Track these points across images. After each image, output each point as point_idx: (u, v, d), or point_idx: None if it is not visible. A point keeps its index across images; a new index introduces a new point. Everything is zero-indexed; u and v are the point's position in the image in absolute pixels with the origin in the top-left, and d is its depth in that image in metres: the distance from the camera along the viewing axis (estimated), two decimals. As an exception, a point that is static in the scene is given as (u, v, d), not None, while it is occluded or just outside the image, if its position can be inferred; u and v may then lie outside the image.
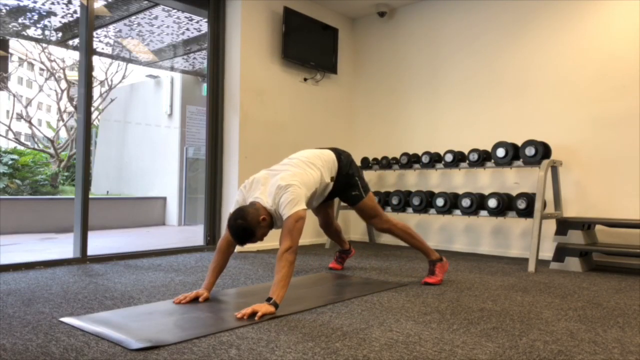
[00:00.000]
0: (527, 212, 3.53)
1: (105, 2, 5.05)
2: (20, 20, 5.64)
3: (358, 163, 4.84)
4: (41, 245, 4.69)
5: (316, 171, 2.49)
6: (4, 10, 5.33)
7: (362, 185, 2.78)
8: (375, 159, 4.69)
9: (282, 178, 2.26)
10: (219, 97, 4.26)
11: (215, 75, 4.26)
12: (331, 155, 2.68)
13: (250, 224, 2.14)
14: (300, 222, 2.16)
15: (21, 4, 5.13)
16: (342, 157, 2.74)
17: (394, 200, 4.27)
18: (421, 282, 2.79)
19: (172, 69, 7.52)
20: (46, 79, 10.06)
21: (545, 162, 3.50)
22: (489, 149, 3.92)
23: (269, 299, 2.01)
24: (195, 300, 2.23)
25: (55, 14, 5.31)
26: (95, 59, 9.04)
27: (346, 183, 2.73)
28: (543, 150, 3.61)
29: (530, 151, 3.63)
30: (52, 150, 9.16)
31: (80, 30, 3.53)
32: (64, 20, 5.48)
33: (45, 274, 2.93)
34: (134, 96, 8.63)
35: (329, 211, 3.12)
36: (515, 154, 3.73)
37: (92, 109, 4.25)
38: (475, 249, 4.34)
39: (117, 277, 2.87)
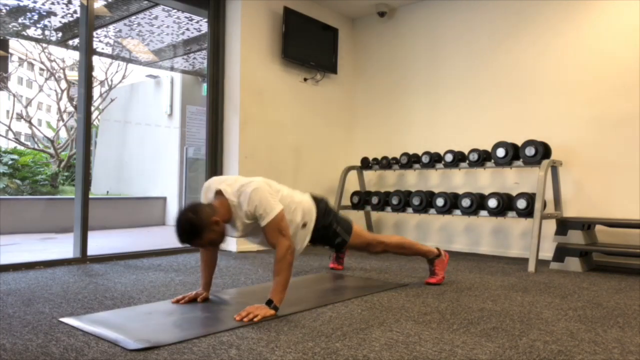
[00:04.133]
0: (527, 212, 3.52)
1: (105, 2, 5.05)
2: (20, 20, 5.63)
3: (358, 163, 4.85)
4: (41, 245, 4.69)
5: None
6: (4, 10, 5.33)
7: (343, 229, 2.51)
8: (375, 159, 4.69)
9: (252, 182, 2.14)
10: (219, 97, 4.26)
11: (215, 75, 4.26)
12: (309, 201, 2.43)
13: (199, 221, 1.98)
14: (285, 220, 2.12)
15: (21, 4, 5.12)
16: (321, 204, 2.46)
17: (394, 200, 4.27)
18: (424, 282, 2.80)
19: (172, 69, 7.52)
20: (46, 79, 10.04)
21: (545, 162, 3.50)
22: (489, 149, 3.92)
23: (269, 302, 2.00)
24: (194, 300, 2.23)
25: (55, 14, 5.31)
26: (95, 59, 9.03)
27: (325, 235, 2.46)
28: (543, 150, 3.61)
29: (530, 151, 3.63)
30: (52, 150, 9.14)
31: (80, 30, 3.53)
32: (64, 20, 5.48)
33: (45, 274, 2.93)
34: (134, 96, 8.62)
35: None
36: (515, 154, 3.73)
37: (92, 109, 4.25)
38: (475, 249, 4.34)
39: (117, 277, 2.87)
